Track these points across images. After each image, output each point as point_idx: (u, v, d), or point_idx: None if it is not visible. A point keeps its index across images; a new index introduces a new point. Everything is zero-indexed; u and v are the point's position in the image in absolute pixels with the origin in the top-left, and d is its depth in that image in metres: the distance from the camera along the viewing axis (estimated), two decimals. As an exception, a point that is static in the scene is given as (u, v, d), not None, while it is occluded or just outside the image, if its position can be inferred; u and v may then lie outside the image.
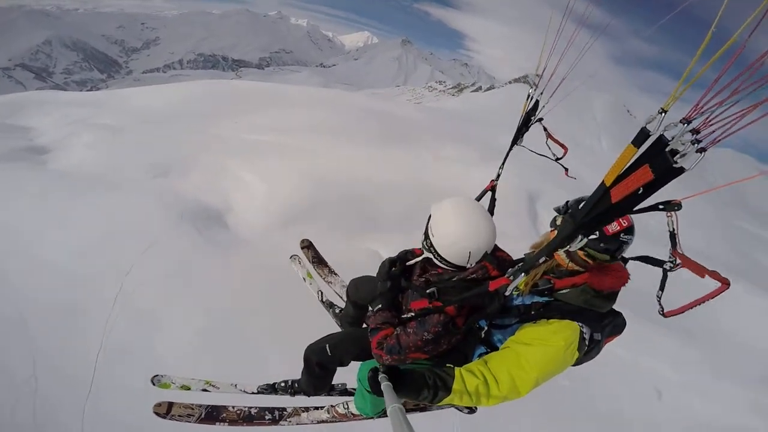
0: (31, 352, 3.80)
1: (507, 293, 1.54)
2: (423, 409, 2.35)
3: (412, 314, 1.74)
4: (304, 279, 3.47)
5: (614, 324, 1.74)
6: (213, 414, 2.48)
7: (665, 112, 0.89)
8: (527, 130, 2.17)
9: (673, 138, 0.86)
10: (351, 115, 13.50)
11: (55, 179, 7.84)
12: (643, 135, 0.90)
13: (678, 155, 0.84)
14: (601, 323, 1.66)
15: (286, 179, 7.78)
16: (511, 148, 2.22)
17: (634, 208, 1.04)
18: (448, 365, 1.66)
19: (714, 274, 1.20)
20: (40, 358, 3.80)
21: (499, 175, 2.29)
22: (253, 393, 2.64)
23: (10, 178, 7.77)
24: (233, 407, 2.51)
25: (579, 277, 1.64)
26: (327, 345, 2.22)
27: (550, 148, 2.21)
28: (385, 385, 1.40)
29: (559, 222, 1.66)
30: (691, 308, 1.30)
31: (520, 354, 1.54)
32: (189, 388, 2.64)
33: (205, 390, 2.66)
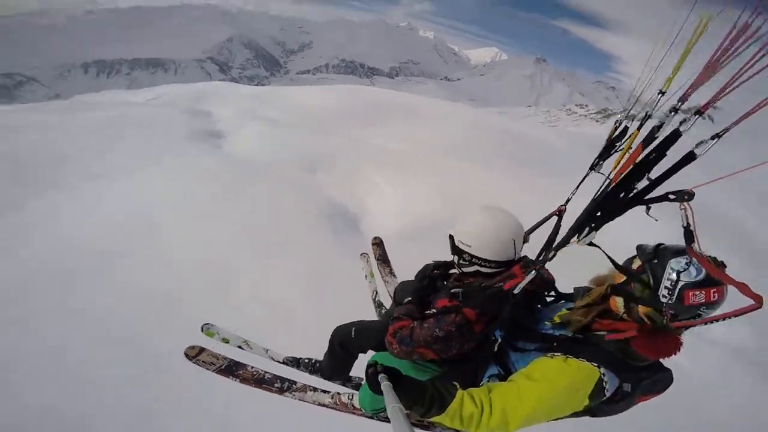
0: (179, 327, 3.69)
1: (516, 291, 1.52)
2: (426, 428, 2.10)
3: (434, 311, 1.75)
4: (366, 277, 3.48)
5: (656, 380, 1.47)
6: (232, 368, 2.57)
7: (663, 93, 1.23)
8: (609, 157, 1.86)
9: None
10: (483, 134, 12.91)
11: (224, 162, 9.11)
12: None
13: (661, 127, 1.13)
14: (636, 374, 1.41)
15: (419, 192, 7.68)
16: (587, 174, 1.96)
17: (646, 197, 1.18)
18: (453, 384, 1.46)
19: (744, 288, 1.05)
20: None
21: (568, 200, 2.04)
22: (278, 362, 2.74)
23: (191, 156, 9.42)
24: (252, 367, 2.58)
25: (625, 325, 1.40)
26: (353, 328, 2.26)
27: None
28: (386, 385, 1.35)
29: (635, 267, 1.37)
30: (705, 324, 1.25)
31: (521, 389, 1.36)
32: (228, 342, 2.77)
33: (240, 347, 2.77)
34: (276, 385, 2.52)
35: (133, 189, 7.21)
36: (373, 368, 1.43)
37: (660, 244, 1.36)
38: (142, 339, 4.14)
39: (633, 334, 1.34)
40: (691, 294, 1.21)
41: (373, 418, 2.23)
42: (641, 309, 1.34)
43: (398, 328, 1.78)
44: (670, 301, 1.24)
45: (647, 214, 1.24)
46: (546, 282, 1.80)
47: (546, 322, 1.63)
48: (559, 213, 2.07)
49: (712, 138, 0.96)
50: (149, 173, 7.92)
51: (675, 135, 1.11)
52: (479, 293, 1.69)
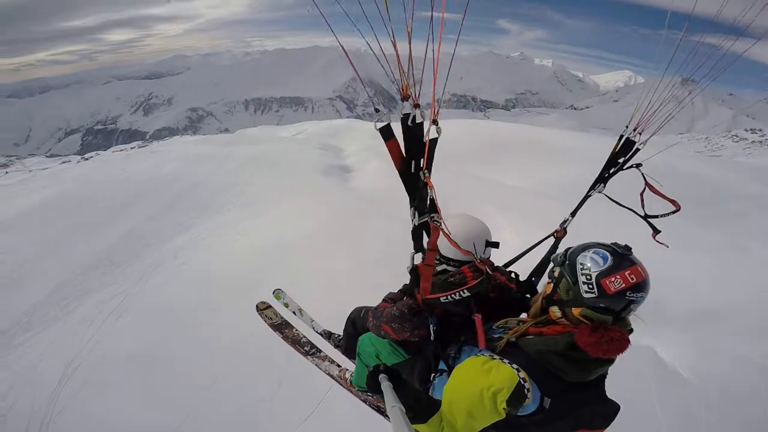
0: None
1: (460, 295, 1.68)
2: None
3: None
4: (294, 313, 3.34)
5: (596, 412, 1.33)
6: (282, 327, 3.08)
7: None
8: (611, 176, 1.95)
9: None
10: (632, 173, 11.07)
11: (351, 197, 9.98)
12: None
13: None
14: (562, 388, 1.28)
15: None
16: (588, 195, 1.98)
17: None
18: (438, 399, 1.44)
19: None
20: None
21: (565, 221, 2.04)
22: (317, 332, 3.09)
23: (324, 189, 10.46)
24: (296, 330, 3.05)
25: (561, 327, 1.37)
26: (365, 308, 2.45)
27: (643, 202, 1.90)
28: (386, 385, 1.35)
29: (556, 273, 1.43)
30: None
31: (450, 399, 1.36)
32: (287, 306, 3.23)
33: (294, 313, 3.18)
34: (306, 348, 2.94)
35: (275, 219, 8.42)
36: (375, 368, 1.45)
37: (568, 248, 1.44)
38: (272, 355, 4.57)
39: (568, 329, 1.32)
40: (608, 282, 1.24)
41: (366, 402, 2.44)
42: (575, 311, 1.33)
43: (378, 307, 2.08)
44: (594, 295, 1.26)
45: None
46: (501, 289, 1.81)
47: (494, 326, 1.63)
48: (557, 236, 2.06)
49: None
50: (289, 204, 9.15)
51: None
52: (434, 286, 1.81)
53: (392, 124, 1.39)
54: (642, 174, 1.88)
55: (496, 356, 1.35)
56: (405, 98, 1.30)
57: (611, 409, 1.38)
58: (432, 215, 1.58)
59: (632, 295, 1.24)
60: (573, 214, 2.05)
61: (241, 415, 4.15)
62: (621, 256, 1.28)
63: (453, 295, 1.69)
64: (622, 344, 1.25)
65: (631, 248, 1.31)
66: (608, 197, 2.00)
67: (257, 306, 3.30)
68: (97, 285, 6.98)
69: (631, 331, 1.34)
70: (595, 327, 1.26)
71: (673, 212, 1.86)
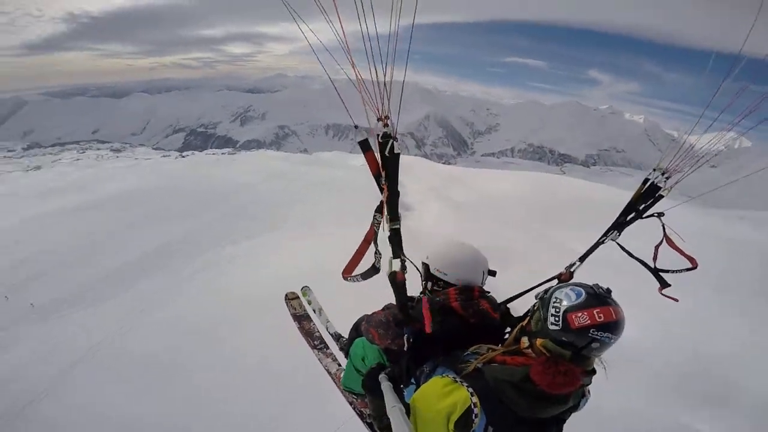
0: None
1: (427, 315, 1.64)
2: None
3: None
4: (314, 311, 3.52)
5: None
6: (301, 318, 3.30)
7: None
8: (629, 224, 1.87)
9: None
10: (712, 244, 9.43)
11: (405, 236, 9.70)
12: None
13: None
14: (509, 425, 1.29)
15: (643, 322, 5.99)
16: (601, 242, 1.93)
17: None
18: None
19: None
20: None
21: (572, 265, 1.99)
22: (329, 333, 3.21)
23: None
24: (312, 324, 3.25)
25: (526, 359, 1.38)
26: (366, 315, 2.38)
27: (656, 255, 1.88)
28: (386, 385, 1.43)
29: (534, 306, 1.45)
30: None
31: (413, 409, 1.40)
32: (310, 303, 3.44)
33: (314, 311, 3.37)
34: (315, 342, 3.12)
35: (325, 241, 8.53)
36: (375, 368, 1.47)
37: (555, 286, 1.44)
38: (292, 375, 4.37)
39: (529, 362, 1.30)
40: (574, 317, 1.24)
41: (351, 405, 2.50)
42: (538, 341, 1.33)
43: (374, 312, 2.12)
44: (558, 328, 1.26)
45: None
46: (483, 315, 1.81)
47: (469, 351, 1.59)
48: (561, 278, 1.99)
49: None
50: (343, 230, 9.22)
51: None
52: (418, 302, 1.89)
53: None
54: (662, 224, 1.81)
55: (459, 379, 1.36)
56: (379, 119, 1.44)
57: None
58: (375, 214, 1.63)
59: (596, 333, 1.21)
60: (582, 259, 1.99)
61: (251, 430, 4.02)
62: (596, 296, 1.26)
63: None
64: (571, 380, 1.22)
65: (611, 291, 1.30)
66: (620, 246, 1.92)
67: (286, 295, 3.54)
68: (142, 277, 7.50)
69: (592, 372, 1.33)
70: (550, 359, 1.26)
71: (688, 269, 1.82)
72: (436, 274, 1.99)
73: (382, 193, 1.57)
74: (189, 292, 6.89)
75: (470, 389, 1.30)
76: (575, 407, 1.40)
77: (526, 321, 1.45)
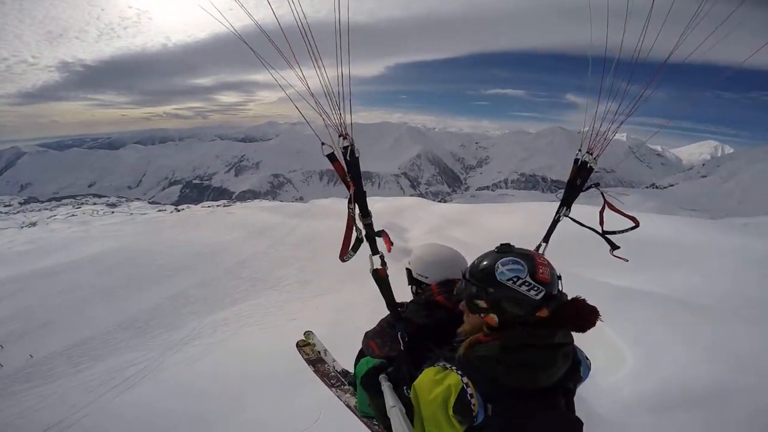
0: None
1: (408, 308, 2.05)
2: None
3: None
4: (320, 352, 3.57)
5: (546, 424, 1.30)
6: (315, 362, 3.46)
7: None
8: (574, 198, 2.06)
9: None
10: (730, 259, 8.78)
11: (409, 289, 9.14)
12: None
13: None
14: (505, 397, 1.27)
15: (675, 353, 5.33)
16: (557, 220, 2.09)
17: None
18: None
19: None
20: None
21: (539, 247, 2.10)
22: (336, 371, 3.36)
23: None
24: (328, 366, 3.41)
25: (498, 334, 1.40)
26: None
27: (602, 219, 2.05)
28: (387, 386, 1.42)
29: (484, 304, 1.38)
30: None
31: (417, 413, 1.39)
32: (314, 345, 3.61)
33: (319, 353, 3.53)
34: (332, 381, 3.18)
35: (328, 302, 7.83)
36: (375, 368, 1.59)
37: (463, 282, 1.47)
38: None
39: (499, 336, 1.33)
40: (539, 274, 1.29)
41: (364, 419, 2.41)
42: (541, 314, 1.30)
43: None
44: (542, 293, 1.28)
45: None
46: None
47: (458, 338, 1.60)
48: None
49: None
50: (346, 288, 8.55)
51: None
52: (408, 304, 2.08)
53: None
54: (601, 192, 2.02)
55: (448, 365, 1.34)
56: (341, 135, 1.72)
57: (569, 424, 1.33)
58: (348, 205, 1.74)
59: (555, 270, 1.34)
60: (546, 239, 2.10)
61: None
62: (520, 254, 1.33)
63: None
64: (593, 310, 1.29)
65: (508, 243, 1.40)
66: (572, 219, 2.03)
67: (298, 343, 3.63)
68: (122, 347, 6.73)
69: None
70: (566, 307, 1.30)
71: (632, 228, 1.99)
72: (418, 277, 2.10)
73: (349, 189, 1.75)
74: (175, 364, 6.15)
75: (459, 371, 1.29)
76: (574, 374, 1.39)
77: (494, 320, 1.37)
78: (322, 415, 4.42)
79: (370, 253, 1.86)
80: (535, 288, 1.26)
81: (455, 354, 1.40)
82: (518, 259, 1.29)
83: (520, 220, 15.03)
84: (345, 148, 1.73)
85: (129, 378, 5.71)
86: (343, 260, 1.77)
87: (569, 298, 1.34)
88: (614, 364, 5.78)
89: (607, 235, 2.02)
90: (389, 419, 1.41)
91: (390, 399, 1.32)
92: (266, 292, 8.75)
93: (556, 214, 2.08)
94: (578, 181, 1.99)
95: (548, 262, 1.33)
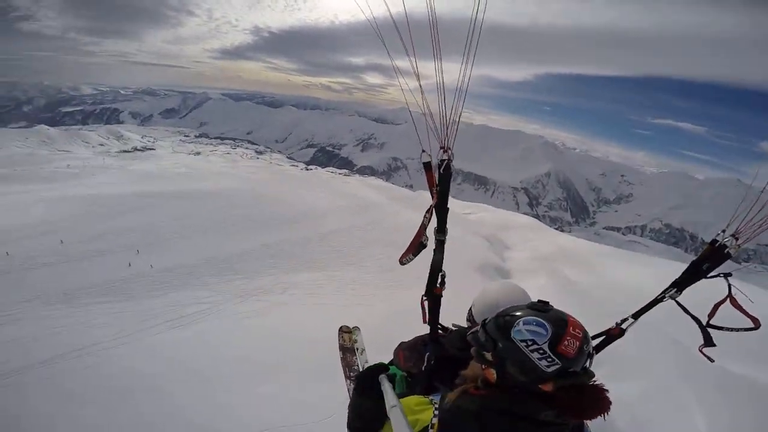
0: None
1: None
2: None
3: None
4: (357, 350, 3.58)
5: None
6: (347, 350, 3.50)
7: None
8: (691, 283, 1.75)
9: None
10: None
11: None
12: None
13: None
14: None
15: None
16: (659, 299, 1.81)
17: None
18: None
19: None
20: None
21: (625, 320, 1.86)
22: (360, 368, 3.28)
23: (469, 288, 8.95)
24: (355, 359, 3.43)
25: (488, 391, 1.39)
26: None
27: (714, 312, 1.74)
28: (387, 386, 1.40)
29: (489, 357, 1.30)
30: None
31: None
32: (356, 341, 3.60)
33: (356, 350, 3.50)
34: (351, 374, 3.27)
35: (404, 298, 7.39)
36: (374, 367, 1.56)
37: (477, 332, 1.39)
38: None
39: (487, 393, 1.29)
40: (563, 346, 1.18)
41: None
42: (545, 387, 1.20)
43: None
44: (558, 366, 1.16)
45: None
46: None
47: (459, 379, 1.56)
48: (611, 332, 1.89)
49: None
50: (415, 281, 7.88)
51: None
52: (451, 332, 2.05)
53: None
54: (729, 284, 1.70)
55: (434, 400, 1.34)
56: (442, 148, 1.73)
57: None
58: (425, 214, 1.78)
59: (586, 347, 1.18)
60: (636, 316, 1.85)
61: None
62: (553, 318, 1.19)
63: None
64: (604, 402, 1.18)
65: (547, 302, 1.28)
66: (678, 303, 1.78)
67: (341, 328, 3.65)
68: (198, 284, 7.36)
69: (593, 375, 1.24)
70: (578, 389, 1.18)
71: (750, 329, 1.72)
72: (471, 319, 1.99)
73: (432, 199, 1.74)
74: (231, 316, 6.50)
75: (436, 412, 1.28)
76: None
77: (494, 377, 1.27)
78: (336, 414, 4.16)
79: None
80: (549, 359, 1.14)
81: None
82: (545, 323, 1.16)
83: (649, 278, 12.05)
84: (442, 161, 1.73)
85: (184, 317, 6.25)
86: (402, 263, 1.84)
87: (595, 381, 1.19)
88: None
89: (709, 329, 1.78)
90: (370, 419, 1.42)
91: (391, 399, 1.31)
92: (347, 267, 8.79)
93: (661, 293, 1.82)
94: (705, 266, 1.72)
95: (583, 335, 1.17)
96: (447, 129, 1.67)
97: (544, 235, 17.77)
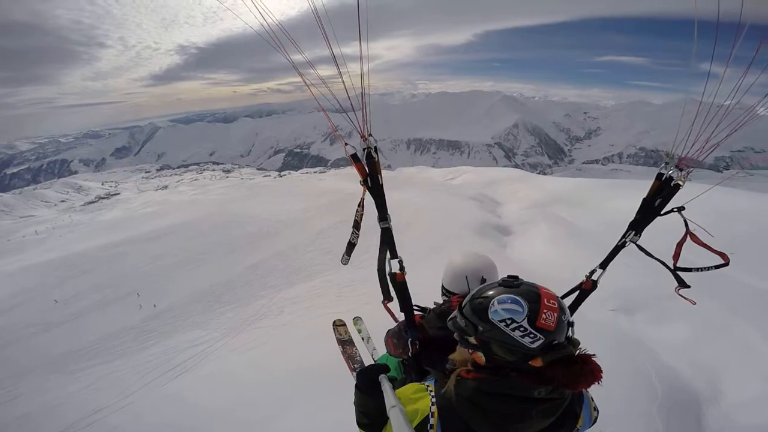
0: None
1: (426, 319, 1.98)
2: None
3: None
4: (363, 339, 3.62)
5: None
6: (345, 343, 3.50)
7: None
8: (647, 224, 1.71)
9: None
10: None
11: (509, 267, 7.73)
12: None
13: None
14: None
15: None
16: (621, 246, 1.78)
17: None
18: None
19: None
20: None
21: (593, 272, 1.80)
22: (374, 360, 3.27)
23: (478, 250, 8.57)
24: (356, 350, 3.43)
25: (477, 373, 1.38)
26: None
27: (678, 253, 1.71)
28: (387, 385, 1.35)
29: (473, 341, 1.29)
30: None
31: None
32: (360, 332, 3.65)
33: (362, 339, 3.57)
34: (355, 365, 3.30)
35: (409, 280, 6.93)
36: (373, 367, 1.46)
37: (456, 317, 1.39)
38: None
39: (480, 376, 1.27)
40: (541, 320, 1.17)
41: None
42: (535, 363, 1.18)
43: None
44: (541, 340, 1.15)
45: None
46: None
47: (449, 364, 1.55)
48: (583, 287, 1.82)
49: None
50: (426, 265, 7.50)
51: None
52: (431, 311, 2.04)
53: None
54: (684, 219, 1.64)
55: (430, 387, 1.33)
56: (362, 137, 1.72)
57: None
58: (357, 208, 1.79)
59: (565, 317, 1.18)
60: (603, 266, 1.78)
61: None
62: (526, 292, 1.17)
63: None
64: (595, 370, 1.15)
65: (516, 276, 1.27)
66: (639, 247, 1.73)
67: (334, 322, 3.56)
68: (188, 325, 6.77)
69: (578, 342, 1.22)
70: (567, 361, 1.16)
71: (719, 266, 1.64)
72: (444, 291, 2.08)
73: (363, 193, 1.73)
74: (231, 349, 5.97)
75: (433, 398, 1.28)
76: (564, 427, 1.28)
77: (482, 359, 1.24)
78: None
79: (389, 256, 1.79)
80: (532, 335, 1.12)
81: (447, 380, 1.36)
82: (519, 299, 1.14)
83: (641, 201, 11.86)
84: (365, 149, 1.74)
85: (182, 363, 5.71)
86: (343, 263, 1.87)
87: (582, 350, 1.18)
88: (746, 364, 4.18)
89: (679, 272, 1.73)
90: (375, 417, 1.37)
91: (391, 399, 1.24)
92: (342, 268, 8.24)
93: (621, 238, 1.76)
94: (657, 202, 1.66)
95: (558, 305, 1.15)
96: (364, 117, 1.69)
97: (530, 182, 17.53)
